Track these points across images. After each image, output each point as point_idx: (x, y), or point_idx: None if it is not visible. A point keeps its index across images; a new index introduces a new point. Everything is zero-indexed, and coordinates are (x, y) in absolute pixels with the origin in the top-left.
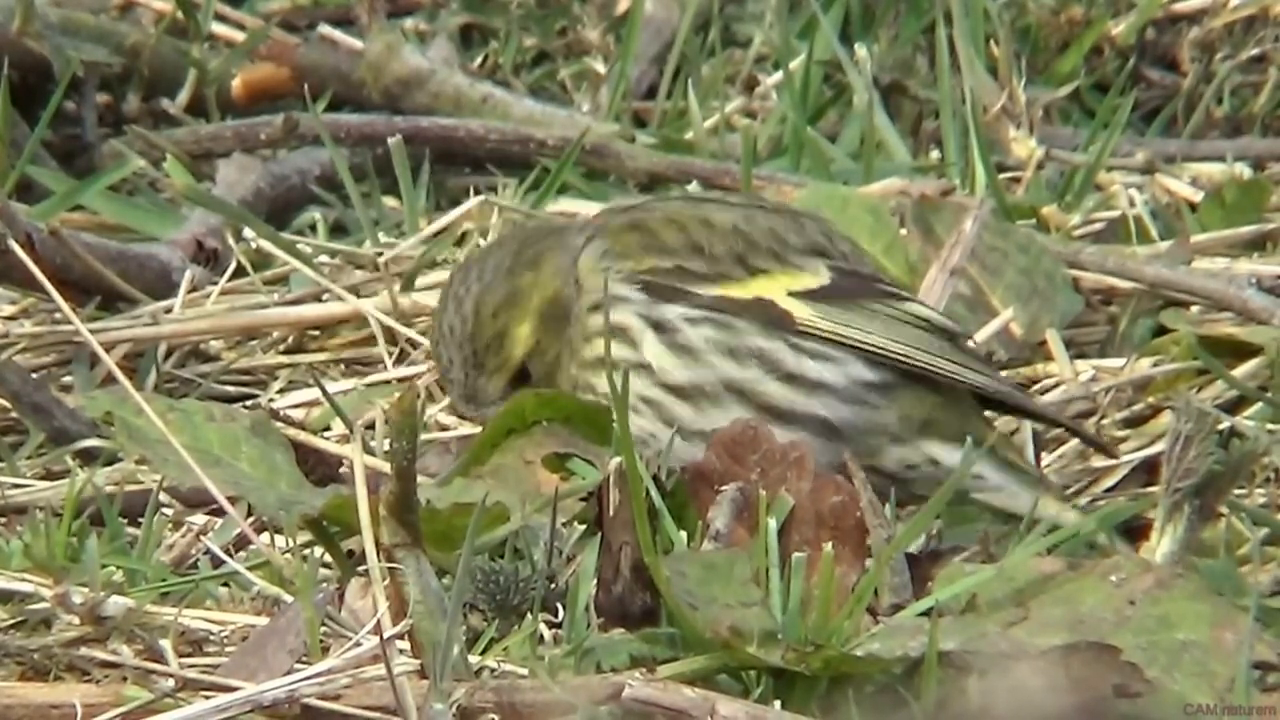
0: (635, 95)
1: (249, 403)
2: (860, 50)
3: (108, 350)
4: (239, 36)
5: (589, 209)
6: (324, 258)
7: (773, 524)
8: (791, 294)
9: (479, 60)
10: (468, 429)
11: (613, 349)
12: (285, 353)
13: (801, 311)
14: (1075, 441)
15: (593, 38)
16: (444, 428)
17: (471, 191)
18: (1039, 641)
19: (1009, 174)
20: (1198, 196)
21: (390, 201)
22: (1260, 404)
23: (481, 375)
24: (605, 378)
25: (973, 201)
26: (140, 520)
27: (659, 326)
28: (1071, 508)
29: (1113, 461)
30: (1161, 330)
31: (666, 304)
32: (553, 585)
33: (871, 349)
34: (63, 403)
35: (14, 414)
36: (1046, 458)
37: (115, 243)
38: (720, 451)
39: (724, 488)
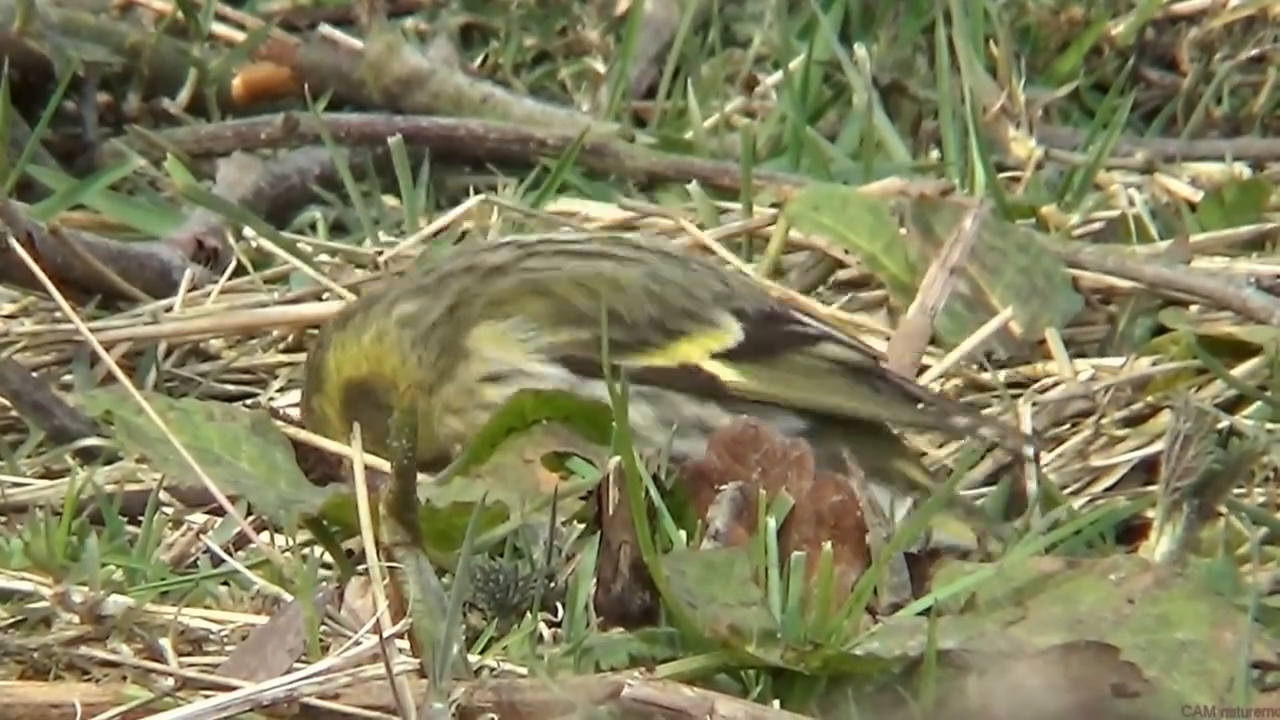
0: (635, 95)
1: (249, 402)
2: (860, 50)
3: (108, 349)
4: (239, 36)
5: (589, 209)
6: (324, 257)
7: (772, 523)
8: (714, 356)
9: (479, 60)
10: None
11: None
12: (285, 352)
13: (727, 375)
14: (1074, 440)
15: (593, 37)
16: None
17: (471, 191)
18: (1038, 641)
19: (1008, 174)
20: (1197, 196)
21: (390, 201)
22: (1259, 403)
23: (314, 396)
24: None
25: (972, 201)
26: (140, 519)
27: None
28: (970, 530)
29: (1112, 461)
30: (1161, 329)
31: (593, 380)
32: (552, 584)
33: (801, 404)
34: (63, 401)
35: (14, 413)
36: (1046, 457)
37: (115, 242)
38: (720, 450)
39: (723, 487)
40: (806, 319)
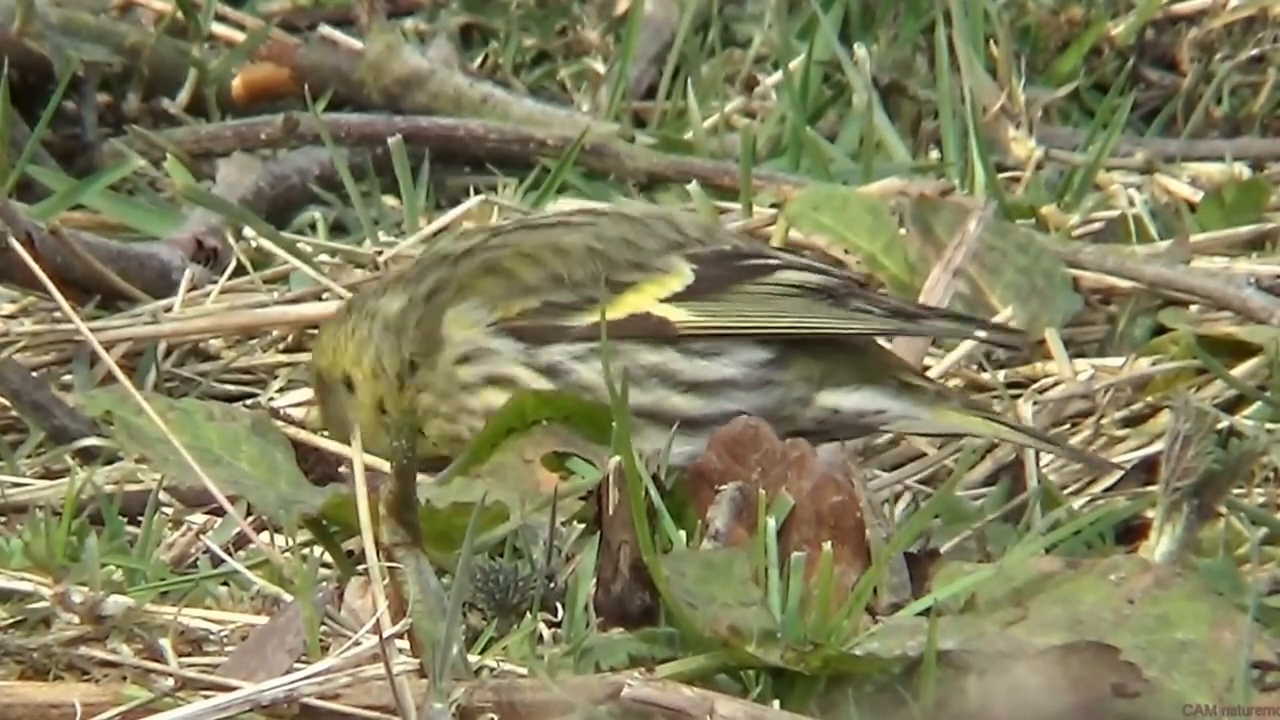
0: (635, 95)
1: (249, 402)
2: (859, 50)
3: (107, 349)
4: (239, 36)
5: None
6: (324, 257)
7: (772, 523)
8: (663, 300)
9: (479, 60)
10: None
11: (502, 398)
12: (285, 352)
13: (678, 315)
14: (1074, 440)
15: (592, 38)
16: None
17: (471, 191)
18: (1038, 641)
19: (1008, 174)
20: (1197, 196)
21: (390, 201)
22: (1259, 403)
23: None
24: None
25: (973, 202)
26: (140, 519)
27: (549, 371)
28: (974, 414)
29: (1112, 460)
30: (1160, 329)
31: (545, 347)
32: (552, 584)
33: (756, 331)
34: (63, 401)
35: (14, 413)
36: (1045, 457)
37: (115, 242)
38: (720, 451)
39: (723, 487)
40: (767, 250)
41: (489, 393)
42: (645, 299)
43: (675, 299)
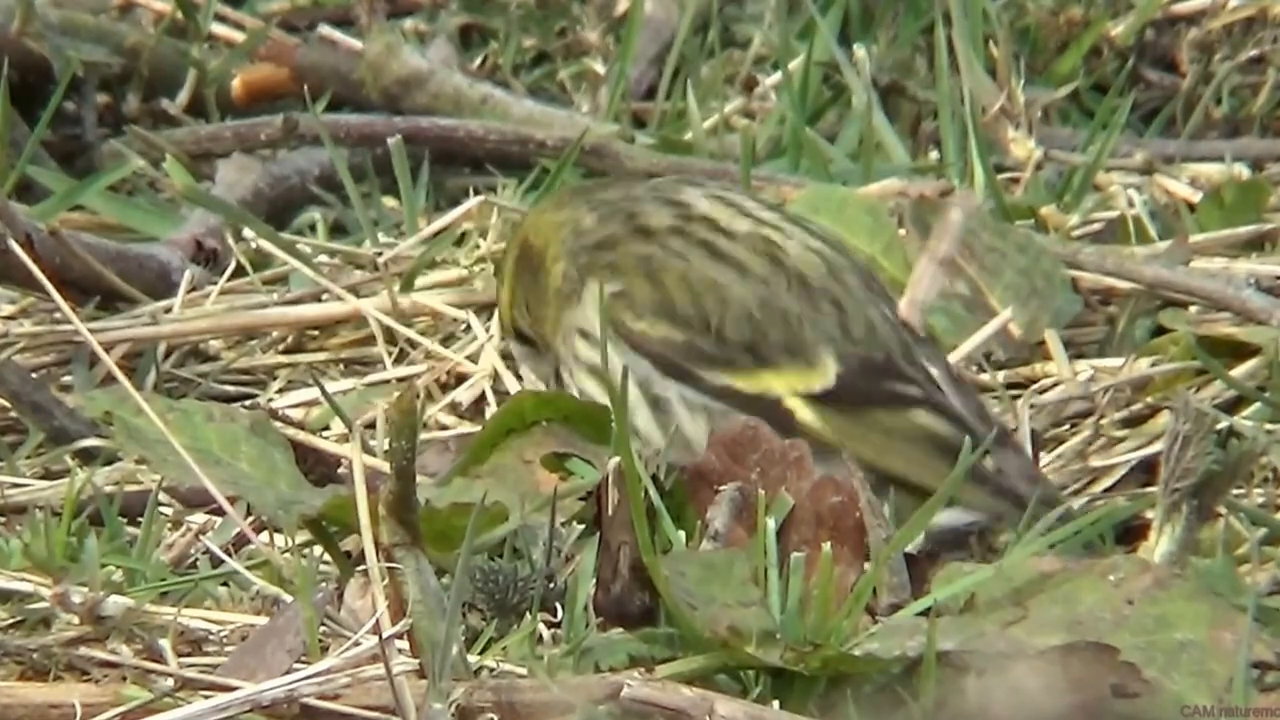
0: (634, 96)
1: (248, 402)
2: (859, 51)
3: (107, 350)
4: (239, 37)
5: None
6: (323, 258)
7: (771, 524)
8: (798, 394)
9: (478, 61)
10: (467, 427)
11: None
12: (284, 352)
13: (805, 415)
14: (1074, 441)
15: (592, 38)
16: (444, 427)
17: (471, 192)
18: (1037, 641)
19: (1008, 174)
20: (1196, 197)
21: (390, 202)
22: (1258, 404)
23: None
24: (590, 384)
25: (960, 193)
26: (139, 520)
27: (656, 403)
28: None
29: (1111, 461)
30: (1160, 330)
31: (670, 381)
32: (551, 585)
33: (872, 467)
34: (62, 402)
35: (13, 413)
36: (1045, 457)
37: (115, 243)
38: (720, 451)
39: (723, 487)
40: (913, 377)
41: (588, 380)
42: (782, 384)
43: (812, 397)
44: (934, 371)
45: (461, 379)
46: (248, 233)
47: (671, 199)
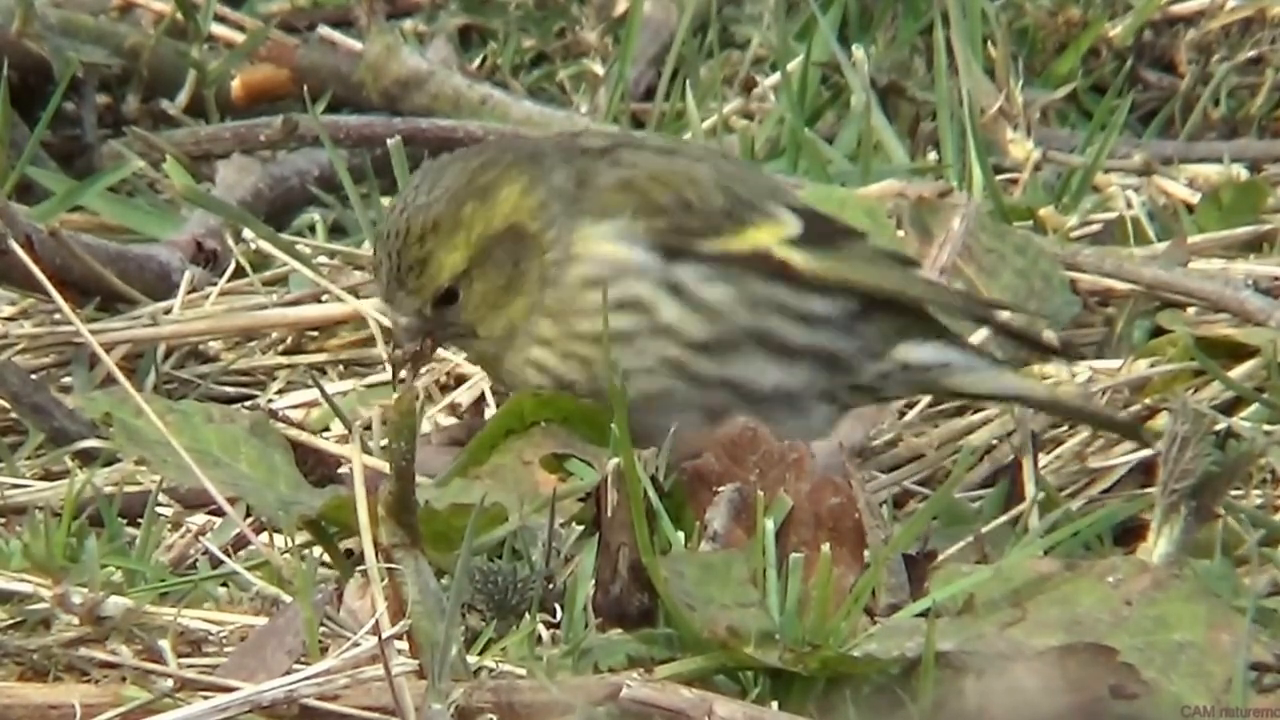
0: (633, 96)
1: (248, 403)
2: (858, 51)
3: (107, 351)
4: (238, 38)
5: None
6: (323, 258)
7: (770, 525)
8: (782, 242)
9: (478, 61)
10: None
11: (624, 320)
12: (284, 353)
13: (795, 258)
14: (1072, 442)
15: (591, 39)
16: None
17: None
18: (1036, 642)
19: (1006, 175)
20: (1195, 198)
21: (389, 202)
22: (1257, 405)
23: (400, 290)
24: (600, 349)
25: (963, 200)
26: (139, 521)
27: (675, 290)
28: (1032, 379)
29: (1110, 462)
30: (1158, 331)
31: (677, 264)
32: (551, 585)
33: (858, 286)
34: (62, 403)
35: (13, 414)
36: (1044, 459)
37: (115, 244)
38: (719, 452)
39: (722, 488)
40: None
41: (616, 317)
42: (766, 236)
43: (791, 243)
44: None
45: (461, 380)
46: (247, 234)
47: (578, 137)
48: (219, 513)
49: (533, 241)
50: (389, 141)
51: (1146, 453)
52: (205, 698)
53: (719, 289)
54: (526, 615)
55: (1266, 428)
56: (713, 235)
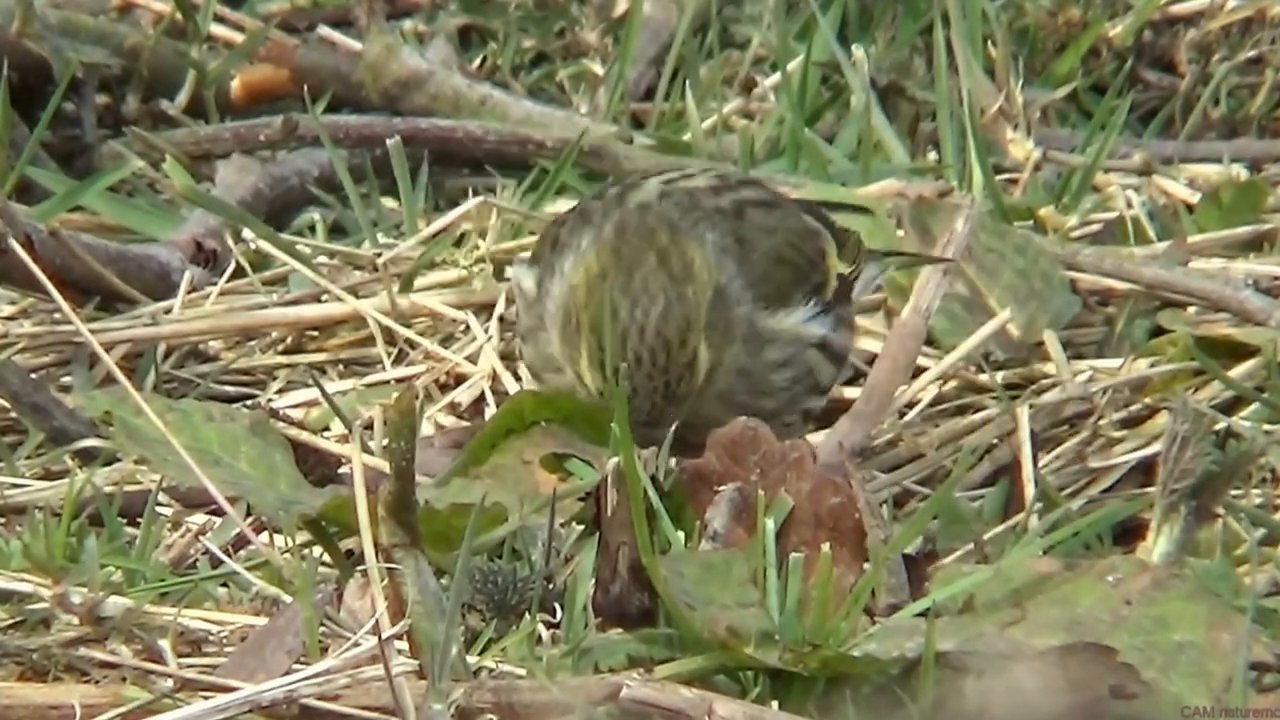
0: (633, 96)
1: (248, 403)
2: (858, 51)
3: (107, 350)
4: (238, 38)
5: None
6: (323, 258)
7: (770, 524)
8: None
9: (477, 61)
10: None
11: (795, 387)
12: (284, 353)
13: (841, 268)
14: (1072, 442)
15: (591, 39)
16: (443, 428)
17: (470, 192)
18: (1036, 642)
19: (1006, 175)
20: (1195, 198)
21: (389, 202)
22: (1257, 405)
23: (670, 405)
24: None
25: (965, 200)
26: (139, 520)
27: (823, 346)
28: None
29: (1110, 462)
30: (1159, 331)
31: (822, 322)
32: (551, 585)
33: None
34: (62, 403)
35: (13, 414)
36: (1044, 458)
37: (115, 243)
38: (719, 452)
39: (722, 488)
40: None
41: (787, 382)
42: (835, 263)
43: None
44: None
45: (460, 379)
46: (247, 233)
47: (691, 195)
48: (219, 512)
49: (727, 297)
50: (389, 141)
51: (1147, 452)
52: (205, 698)
53: (842, 334)
54: (526, 615)
55: (1266, 427)
56: (826, 282)
